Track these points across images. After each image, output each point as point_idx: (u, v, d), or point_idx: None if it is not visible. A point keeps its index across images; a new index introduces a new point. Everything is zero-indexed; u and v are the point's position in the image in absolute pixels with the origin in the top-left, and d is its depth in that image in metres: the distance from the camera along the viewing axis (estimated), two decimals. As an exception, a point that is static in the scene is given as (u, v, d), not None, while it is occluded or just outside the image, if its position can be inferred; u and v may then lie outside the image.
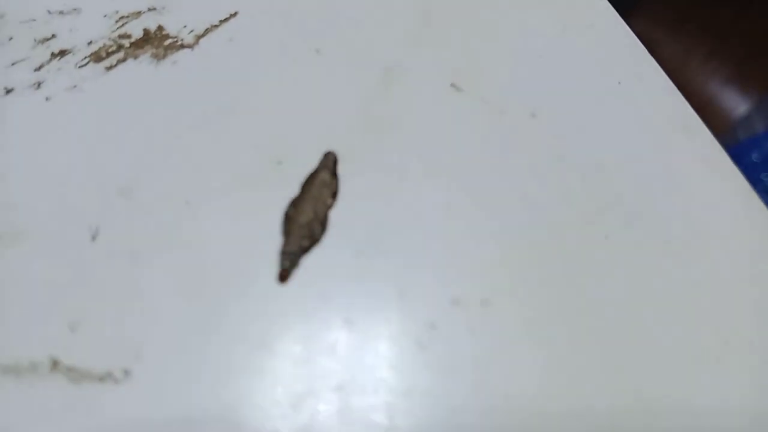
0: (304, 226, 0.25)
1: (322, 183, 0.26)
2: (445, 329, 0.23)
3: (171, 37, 0.29)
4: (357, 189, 0.26)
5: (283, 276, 0.24)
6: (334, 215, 0.25)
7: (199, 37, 0.29)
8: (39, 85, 0.28)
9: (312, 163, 0.26)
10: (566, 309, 0.23)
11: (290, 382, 0.22)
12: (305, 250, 0.24)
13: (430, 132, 0.27)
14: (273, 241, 0.24)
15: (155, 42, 0.29)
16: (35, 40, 0.29)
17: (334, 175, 0.26)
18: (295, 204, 0.25)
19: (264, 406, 0.21)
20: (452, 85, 0.29)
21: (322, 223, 0.25)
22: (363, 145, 0.27)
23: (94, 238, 0.24)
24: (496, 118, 0.28)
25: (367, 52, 0.29)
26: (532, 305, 0.23)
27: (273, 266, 0.24)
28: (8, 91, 0.28)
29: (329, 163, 0.26)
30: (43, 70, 0.28)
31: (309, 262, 0.24)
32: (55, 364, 0.22)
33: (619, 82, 0.31)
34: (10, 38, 0.29)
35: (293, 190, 0.25)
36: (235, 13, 0.30)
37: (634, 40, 0.32)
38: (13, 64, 0.28)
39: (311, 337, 0.22)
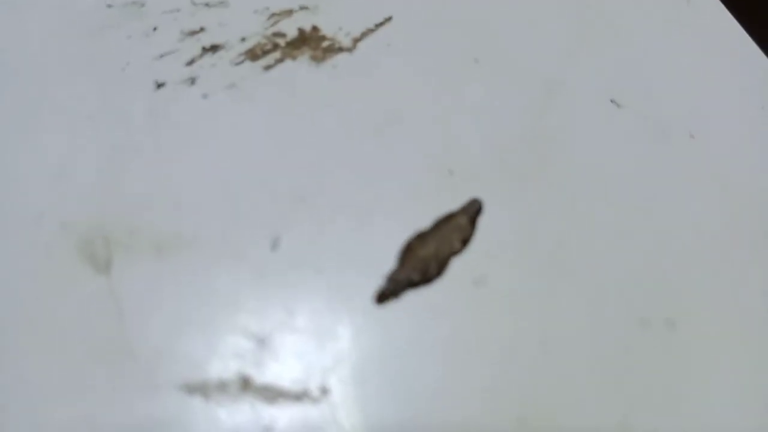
0: (420, 259, 0.23)
1: (456, 226, 0.24)
2: (635, 347, 0.22)
3: (328, 39, 0.28)
4: (527, 200, 0.25)
5: (380, 299, 0.22)
6: (516, 219, 0.24)
7: (356, 41, 0.28)
8: (193, 81, 0.26)
9: (483, 174, 0.25)
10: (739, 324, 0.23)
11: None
12: (412, 284, 0.23)
13: (595, 147, 0.27)
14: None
15: (312, 43, 0.27)
16: (182, 33, 0.27)
17: (472, 222, 0.24)
18: (421, 236, 0.24)
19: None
20: (612, 101, 0.28)
21: (440, 265, 0.23)
22: (532, 156, 0.26)
23: (274, 246, 0.22)
24: (657, 137, 0.27)
25: (526, 63, 0.29)
26: (717, 325, 0.23)
27: (457, 276, 0.23)
28: (160, 86, 0.26)
29: (471, 209, 0.24)
30: (195, 65, 0.27)
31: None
32: (246, 383, 0.20)
33: (763, 107, 0.30)
34: (155, 29, 0.27)
35: (465, 201, 0.24)
36: (390, 18, 0.29)
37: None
38: (161, 56, 0.27)
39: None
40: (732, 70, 0.31)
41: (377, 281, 0.22)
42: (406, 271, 0.23)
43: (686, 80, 0.30)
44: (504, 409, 0.21)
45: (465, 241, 0.24)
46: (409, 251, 0.23)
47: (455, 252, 0.23)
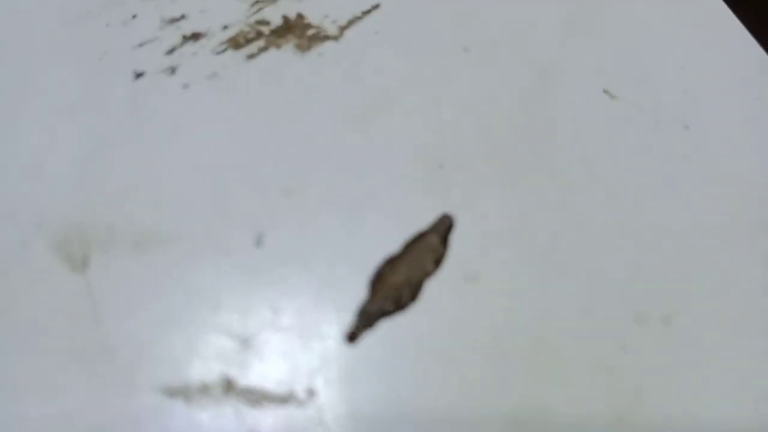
0: (392, 288, 0.22)
1: (428, 247, 0.23)
2: (633, 344, 0.22)
3: (313, 27, 0.27)
4: (520, 193, 0.24)
5: (352, 337, 0.21)
6: (509, 213, 0.23)
7: (343, 29, 0.27)
8: (173, 70, 0.25)
9: (474, 167, 0.24)
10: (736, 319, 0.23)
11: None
12: (385, 314, 0.21)
13: (589, 138, 0.26)
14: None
15: (297, 31, 0.26)
16: (163, 20, 0.26)
17: (443, 241, 0.23)
18: (391, 261, 0.22)
19: None
20: (605, 91, 0.27)
21: (413, 291, 0.22)
22: (522, 148, 0.25)
23: (259, 242, 0.22)
24: (651, 128, 0.26)
25: (517, 53, 0.28)
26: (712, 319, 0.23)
27: (453, 273, 0.22)
28: (139, 75, 0.25)
29: (442, 227, 0.23)
30: (175, 53, 0.26)
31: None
32: (229, 385, 0.19)
33: (758, 98, 0.30)
34: (134, 16, 0.26)
35: (458, 195, 0.24)
36: (377, 5, 0.28)
37: (766, 58, 0.31)
38: (140, 45, 0.26)
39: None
40: (727, 61, 0.31)
41: (365, 279, 0.21)
42: (378, 302, 0.21)
43: (681, 71, 0.29)
44: (498, 406, 0.20)
45: (438, 262, 0.22)
46: (379, 280, 0.22)
47: (428, 274, 0.22)
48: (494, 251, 0.23)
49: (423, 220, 0.23)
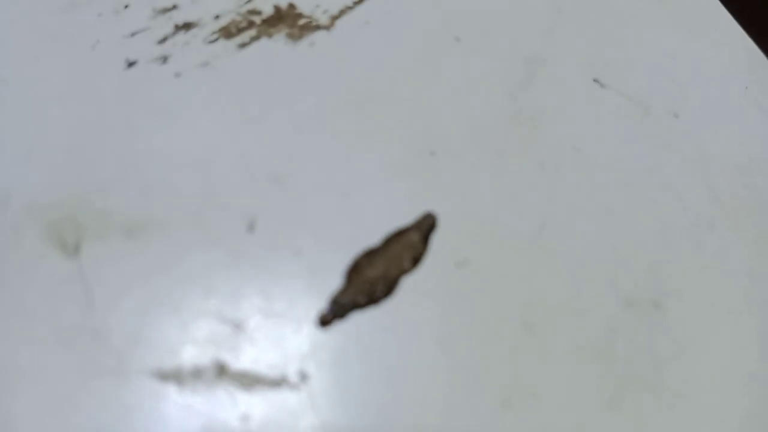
0: (367, 281, 0.22)
1: (407, 244, 0.22)
2: (622, 328, 0.22)
3: (305, 17, 0.27)
4: (510, 180, 0.24)
5: (324, 322, 0.21)
6: (499, 200, 0.24)
7: (334, 18, 0.27)
8: (165, 59, 0.25)
9: (464, 155, 0.24)
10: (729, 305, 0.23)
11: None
12: (357, 306, 0.21)
13: (579, 126, 0.26)
14: (437, 232, 0.23)
15: (288, 21, 0.27)
16: (154, 10, 0.27)
17: (424, 240, 0.23)
18: (369, 254, 0.22)
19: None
20: (595, 80, 0.27)
21: (389, 286, 0.22)
22: (513, 136, 0.25)
23: (251, 228, 0.22)
24: (641, 117, 0.27)
25: (507, 42, 0.28)
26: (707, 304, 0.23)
27: (444, 255, 0.22)
28: (131, 64, 0.25)
29: (424, 225, 0.23)
30: (167, 43, 0.26)
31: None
32: (221, 369, 0.20)
33: (747, 87, 0.30)
34: (126, 6, 0.27)
35: (448, 182, 0.24)
36: (369, -5, 0.28)
37: (754, 47, 0.32)
38: (132, 34, 0.26)
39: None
40: (716, 51, 0.31)
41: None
42: (351, 294, 0.21)
43: (670, 60, 0.29)
44: (488, 392, 0.20)
45: (416, 260, 0.22)
46: (355, 271, 0.22)
47: (405, 272, 0.22)
48: (484, 237, 0.23)
49: (414, 206, 0.23)
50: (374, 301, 0.21)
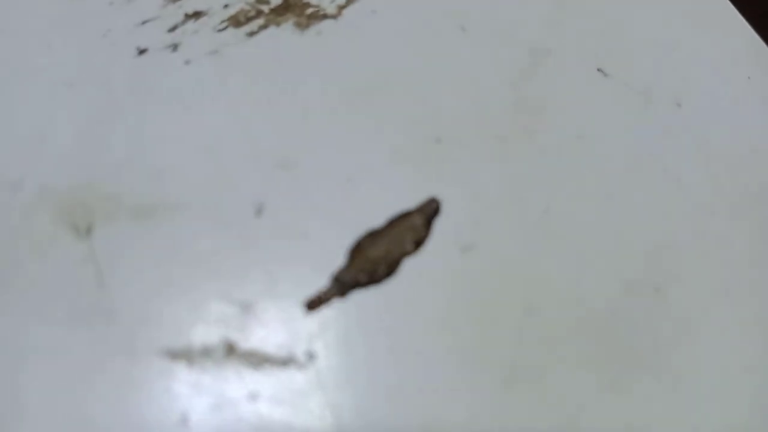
0: (369, 260, 0.22)
1: (411, 226, 0.23)
2: (623, 312, 0.22)
3: (312, 6, 0.27)
4: (514, 167, 0.25)
5: (313, 304, 0.22)
6: (503, 186, 0.24)
7: (341, 8, 0.27)
8: (175, 47, 0.26)
9: (470, 141, 0.25)
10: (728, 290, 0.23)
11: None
12: (359, 285, 0.22)
13: (583, 115, 0.26)
14: (439, 218, 0.23)
15: (296, 10, 0.27)
16: (164, -1, 0.27)
17: (427, 223, 0.23)
18: (372, 235, 0.23)
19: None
20: (599, 69, 0.28)
21: (390, 267, 0.22)
22: (519, 124, 0.26)
23: (259, 212, 0.22)
24: (643, 105, 0.27)
25: (513, 32, 0.28)
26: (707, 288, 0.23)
27: (449, 240, 0.23)
28: (141, 51, 0.25)
29: (428, 209, 0.23)
30: (177, 31, 0.26)
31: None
32: (230, 348, 0.20)
33: (749, 77, 0.30)
34: (136, -5, 0.27)
35: (454, 168, 0.24)
36: (376, -15, 0.28)
37: (756, 38, 0.32)
38: (143, 23, 0.26)
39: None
40: (718, 41, 0.31)
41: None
42: (353, 272, 0.22)
43: (673, 50, 0.30)
44: (491, 373, 0.20)
45: (418, 243, 0.23)
46: (358, 251, 0.22)
47: (407, 254, 0.22)
48: (489, 222, 0.23)
49: (420, 192, 0.23)
50: (375, 280, 0.22)
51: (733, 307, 0.23)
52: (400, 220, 0.23)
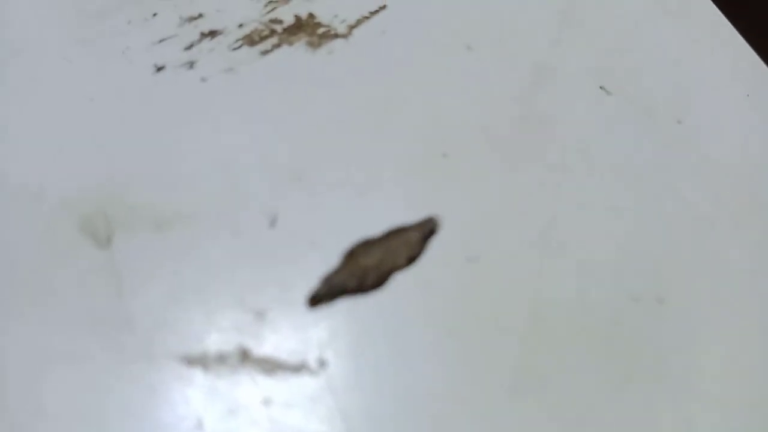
0: (360, 267, 0.22)
1: (406, 241, 0.23)
2: (627, 323, 0.23)
3: (324, 26, 0.28)
4: (519, 182, 0.26)
5: (314, 301, 0.22)
6: (508, 200, 0.25)
7: (351, 28, 0.28)
8: (192, 64, 0.27)
9: (477, 158, 0.25)
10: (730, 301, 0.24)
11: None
12: (347, 291, 0.22)
13: (586, 131, 0.27)
14: (447, 230, 0.24)
15: (308, 30, 0.28)
16: (181, 18, 0.28)
17: (423, 240, 0.23)
18: (367, 244, 0.23)
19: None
20: (601, 87, 0.29)
21: (380, 278, 0.22)
22: (522, 140, 0.26)
23: (272, 223, 0.23)
24: (645, 122, 0.28)
25: (517, 50, 0.29)
26: (709, 299, 0.24)
27: (456, 252, 0.23)
28: (159, 69, 0.26)
29: (426, 228, 0.24)
30: (194, 49, 0.27)
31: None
32: (245, 355, 0.21)
33: (748, 95, 0.31)
34: (154, 14, 0.28)
35: (460, 182, 0.25)
36: (384, 6, 0.30)
37: (755, 56, 0.33)
38: (160, 41, 0.27)
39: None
40: (718, 60, 0.32)
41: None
42: (343, 276, 0.22)
43: (674, 68, 0.30)
44: (497, 381, 0.21)
45: (411, 259, 0.23)
46: (351, 256, 0.23)
47: (398, 268, 0.23)
48: (494, 234, 0.24)
49: (427, 206, 0.24)
50: (363, 289, 0.22)
51: (734, 318, 0.23)
52: (396, 233, 0.23)
